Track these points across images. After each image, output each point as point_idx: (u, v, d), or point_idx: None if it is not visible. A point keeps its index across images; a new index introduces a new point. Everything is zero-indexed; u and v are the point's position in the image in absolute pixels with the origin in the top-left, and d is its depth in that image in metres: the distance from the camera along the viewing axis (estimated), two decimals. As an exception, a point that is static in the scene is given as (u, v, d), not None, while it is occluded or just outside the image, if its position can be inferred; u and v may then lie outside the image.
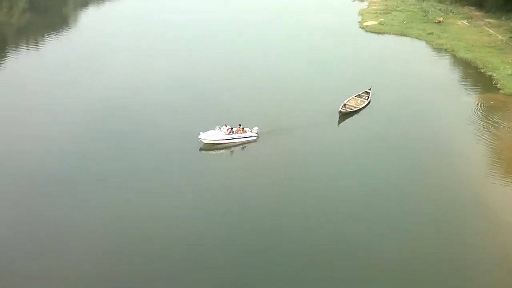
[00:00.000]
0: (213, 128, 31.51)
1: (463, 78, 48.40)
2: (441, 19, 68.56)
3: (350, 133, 35.13)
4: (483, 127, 36.09)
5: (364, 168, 29.67)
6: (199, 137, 30.78)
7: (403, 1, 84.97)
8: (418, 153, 31.86)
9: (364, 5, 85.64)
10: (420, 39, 60.30)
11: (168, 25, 67.19)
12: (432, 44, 57.72)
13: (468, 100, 41.59)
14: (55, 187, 25.84)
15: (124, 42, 56.45)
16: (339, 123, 36.23)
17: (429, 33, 61.43)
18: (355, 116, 37.39)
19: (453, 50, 54.65)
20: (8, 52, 52.04)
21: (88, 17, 76.42)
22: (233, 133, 31.92)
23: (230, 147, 31.65)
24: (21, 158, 28.70)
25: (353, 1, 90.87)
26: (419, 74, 47.61)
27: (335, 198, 26.52)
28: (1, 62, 48.28)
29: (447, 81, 46.98)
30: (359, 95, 40.02)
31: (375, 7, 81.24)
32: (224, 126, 31.87)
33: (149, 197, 25.46)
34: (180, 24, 67.68)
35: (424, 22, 68.26)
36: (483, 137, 34.52)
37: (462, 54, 53.05)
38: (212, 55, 51.82)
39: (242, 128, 32.32)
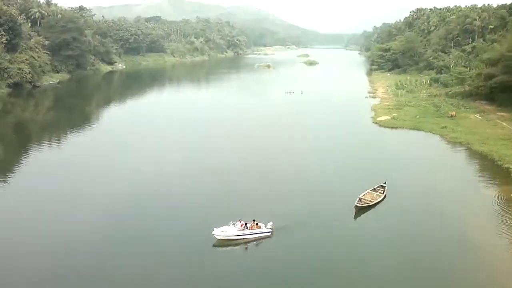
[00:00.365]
0: (227, 224, 30.94)
1: (480, 171, 47.63)
2: (453, 113, 69.67)
3: (367, 229, 33.71)
4: (505, 220, 34.95)
5: (383, 270, 27.91)
6: (213, 233, 30.04)
7: (414, 97, 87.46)
8: (440, 250, 30.24)
9: (376, 101, 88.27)
10: (434, 133, 60.73)
11: (186, 119, 69.45)
12: (446, 138, 57.97)
13: (487, 193, 40.71)
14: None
15: (142, 138, 58.04)
16: (355, 218, 35.20)
17: (443, 127, 61.99)
18: (372, 210, 36.41)
19: (468, 143, 54.63)
20: (31, 147, 53.49)
21: (109, 115, 79.59)
22: (247, 228, 31.24)
23: (244, 243, 30.78)
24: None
25: (365, 97, 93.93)
26: (435, 168, 47.33)
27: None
28: (25, 157, 49.38)
29: (465, 174, 46.17)
30: (374, 189, 39.38)
31: (387, 103, 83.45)
32: (238, 222, 31.18)
33: None
34: (197, 119, 69.78)
35: (436, 117, 69.32)
36: (506, 231, 33.31)
37: (477, 147, 52.91)
38: (229, 149, 52.47)
39: (256, 224, 31.49)
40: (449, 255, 29.67)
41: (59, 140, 58.01)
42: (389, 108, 77.66)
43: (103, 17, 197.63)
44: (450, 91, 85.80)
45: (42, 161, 48.09)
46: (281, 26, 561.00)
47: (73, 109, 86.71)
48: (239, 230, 30.78)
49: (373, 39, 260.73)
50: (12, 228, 31.58)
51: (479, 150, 51.99)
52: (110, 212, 34.58)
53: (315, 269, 27.48)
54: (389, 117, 69.94)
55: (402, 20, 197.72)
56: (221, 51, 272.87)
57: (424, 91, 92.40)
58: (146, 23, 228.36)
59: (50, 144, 55.65)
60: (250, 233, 31.05)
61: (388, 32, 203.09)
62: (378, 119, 69.79)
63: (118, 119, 74.65)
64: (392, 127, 64.95)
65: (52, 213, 34.09)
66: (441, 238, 31.87)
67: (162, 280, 25.78)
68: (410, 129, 63.70)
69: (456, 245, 31.08)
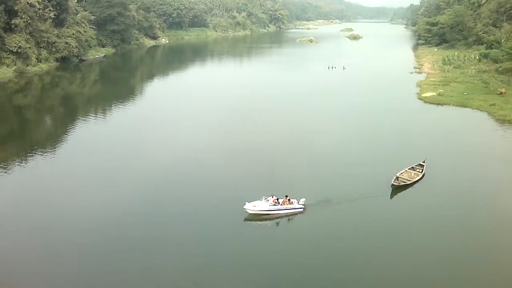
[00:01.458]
0: (259, 199, 31.07)
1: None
2: (503, 90, 66.92)
3: (403, 208, 32.89)
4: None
5: (417, 248, 27.27)
6: (245, 207, 30.23)
7: (462, 73, 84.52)
8: (483, 234, 29.13)
9: (422, 76, 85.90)
10: (481, 110, 58.62)
11: (225, 95, 69.86)
12: (494, 115, 55.80)
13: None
14: (99, 251, 26.15)
15: (182, 112, 59.15)
16: (391, 196, 34.23)
17: (491, 104, 59.70)
18: (409, 189, 35.46)
19: (517, 122, 52.72)
20: (78, 119, 55.33)
21: (152, 89, 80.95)
22: (279, 204, 31.09)
23: (276, 218, 30.64)
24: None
25: (411, 73, 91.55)
26: (480, 147, 45.75)
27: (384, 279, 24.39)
28: (71, 129, 51.10)
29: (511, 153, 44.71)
30: (412, 167, 38.16)
31: (433, 79, 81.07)
32: (270, 197, 31.13)
33: (193, 262, 25.26)
34: (237, 96, 70.05)
35: (485, 93, 66.81)
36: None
37: (528, 125, 50.96)
38: (270, 126, 52.60)
39: (289, 200, 31.33)
40: (489, 240, 28.40)
41: (104, 113, 59.48)
42: (435, 84, 75.45)
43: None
44: (500, 67, 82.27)
45: (88, 134, 49.56)
46: (324, 0, 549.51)
47: (118, 83, 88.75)
48: (271, 205, 30.80)
49: (420, 13, 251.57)
50: (58, 196, 32.98)
51: (529, 128, 49.99)
52: (150, 184, 35.38)
53: (345, 246, 27.16)
54: (434, 93, 67.98)
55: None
56: (263, 26, 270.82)
57: (473, 67, 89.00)
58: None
59: (95, 117, 57.21)
60: (282, 208, 30.99)
61: (436, 6, 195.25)
62: (423, 95, 67.97)
63: (160, 93, 75.87)
64: (438, 104, 63.19)
65: (93, 186, 35.20)
66: (481, 223, 30.63)
67: (192, 251, 26.23)
68: (457, 105, 61.77)
69: (498, 230, 29.70)
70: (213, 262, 25.28)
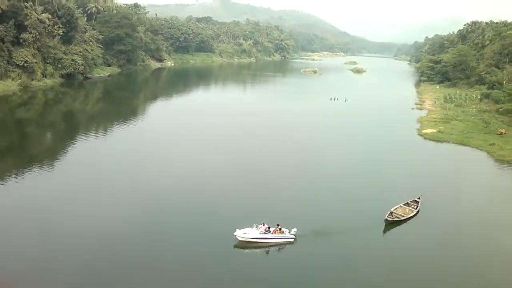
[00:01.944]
0: (250, 226, 30.56)
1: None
2: (503, 130, 67.24)
3: (394, 246, 32.41)
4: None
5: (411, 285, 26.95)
6: (235, 233, 29.75)
7: (463, 111, 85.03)
8: (477, 277, 28.68)
9: (423, 113, 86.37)
10: (480, 150, 58.75)
11: (226, 121, 70.19)
12: (493, 155, 55.90)
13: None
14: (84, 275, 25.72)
15: (182, 135, 59.10)
16: (384, 231, 33.80)
17: (491, 144, 59.89)
18: (402, 225, 34.96)
19: (516, 163, 52.77)
20: (79, 136, 55.44)
21: (155, 110, 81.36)
22: (269, 232, 30.66)
23: (266, 247, 30.17)
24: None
25: (412, 109, 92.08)
26: (478, 187, 45.74)
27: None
28: (71, 145, 51.18)
29: (510, 194, 44.65)
30: (407, 203, 37.93)
31: (434, 116, 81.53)
32: (262, 225, 30.73)
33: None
34: (238, 123, 70.38)
35: (485, 133, 67.10)
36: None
37: (526, 167, 51.00)
38: (268, 155, 52.57)
39: (280, 229, 30.94)
40: (483, 282, 27.98)
41: (105, 131, 59.71)
42: (435, 121, 75.84)
43: (156, 15, 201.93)
44: (501, 108, 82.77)
45: (87, 151, 49.63)
46: (330, 32, 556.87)
47: (121, 102, 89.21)
48: (262, 233, 30.41)
49: (424, 50, 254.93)
50: (56, 211, 32.79)
51: (528, 170, 50.01)
52: (141, 204, 35.26)
53: (334, 280, 26.78)
54: (435, 130, 68.27)
55: (455, 33, 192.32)
56: (268, 54, 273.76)
57: (474, 106, 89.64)
58: (197, 23, 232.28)
59: (96, 134, 57.37)
60: (272, 237, 30.59)
61: (440, 44, 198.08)
62: (424, 131, 68.25)
63: (162, 115, 76.00)
64: (438, 141, 63.37)
65: (83, 205, 35.10)
66: (475, 265, 30.09)
67: (179, 276, 25.87)
68: (456, 143, 61.92)
69: (493, 272, 29.19)
70: None
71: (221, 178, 42.73)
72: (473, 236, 34.32)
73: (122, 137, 56.92)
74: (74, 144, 51.92)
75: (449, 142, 62.70)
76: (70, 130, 62.20)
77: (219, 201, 36.95)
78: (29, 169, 41.43)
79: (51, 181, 39.45)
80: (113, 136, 57.38)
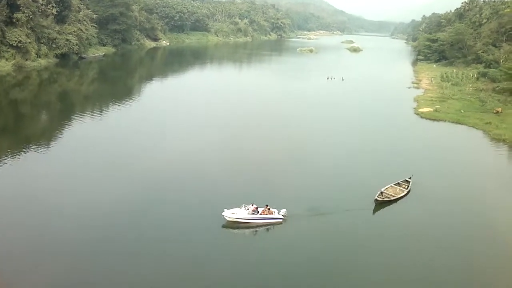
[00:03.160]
0: (239, 206, 30.39)
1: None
2: (499, 109, 67.30)
3: (385, 224, 32.24)
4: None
5: (397, 264, 26.80)
6: (223, 214, 29.61)
7: (459, 90, 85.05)
8: (467, 253, 28.63)
9: (420, 92, 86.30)
10: (477, 128, 58.87)
11: (222, 100, 70.05)
12: (489, 134, 56.03)
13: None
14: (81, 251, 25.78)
15: (177, 115, 59.02)
16: (374, 212, 33.44)
17: (487, 123, 60.01)
18: (393, 205, 34.70)
19: (511, 141, 52.85)
20: (74, 116, 55.24)
21: (149, 90, 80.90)
22: (258, 213, 30.43)
23: (254, 227, 30.00)
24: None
25: (409, 88, 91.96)
26: (472, 165, 45.77)
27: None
28: (67, 125, 51.03)
29: (505, 174, 44.49)
30: (398, 183, 37.66)
31: (431, 94, 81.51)
32: (250, 205, 30.50)
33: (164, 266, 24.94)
34: (233, 102, 70.27)
35: (481, 112, 67.17)
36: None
37: (522, 145, 51.14)
38: (261, 134, 52.50)
39: (269, 209, 30.69)
40: (470, 260, 27.85)
41: (100, 111, 59.41)
42: (432, 100, 75.84)
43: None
44: (497, 87, 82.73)
45: (82, 131, 49.47)
46: (327, 11, 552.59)
47: (116, 82, 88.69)
48: (250, 214, 30.20)
49: (421, 29, 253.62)
50: (53, 191, 32.85)
51: (523, 149, 50.19)
52: (132, 183, 35.10)
53: (322, 260, 26.63)
54: (431, 109, 68.29)
55: (452, 11, 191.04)
56: (264, 33, 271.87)
57: (470, 85, 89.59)
58: (192, 1, 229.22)
59: (92, 115, 57.06)
60: (261, 217, 30.36)
61: (437, 23, 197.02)
62: (420, 110, 68.25)
63: (157, 95, 75.65)
64: (434, 119, 63.42)
65: (78, 184, 35.03)
66: (463, 242, 30.00)
67: (167, 258, 25.69)
68: (453, 122, 61.97)
69: (481, 250, 28.95)
70: (183, 268, 24.82)
71: (215, 158, 42.52)
72: (464, 215, 34.10)
73: (117, 118, 56.62)
74: (70, 124, 51.75)
75: (445, 120, 62.73)
76: (65, 110, 61.89)
77: (210, 181, 36.67)
78: (24, 150, 41.26)
79: (46, 161, 39.30)
80: (108, 116, 57.06)
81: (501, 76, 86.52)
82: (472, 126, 59.81)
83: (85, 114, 56.68)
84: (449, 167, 44.33)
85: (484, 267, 27.22)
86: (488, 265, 27.48)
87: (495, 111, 66.68)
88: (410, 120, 63.94)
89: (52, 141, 45.38)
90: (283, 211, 30.84)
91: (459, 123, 61.39)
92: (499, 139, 54.04)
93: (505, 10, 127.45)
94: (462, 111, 67.31)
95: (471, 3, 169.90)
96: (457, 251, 28.83)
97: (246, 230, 29.90)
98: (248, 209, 30.38)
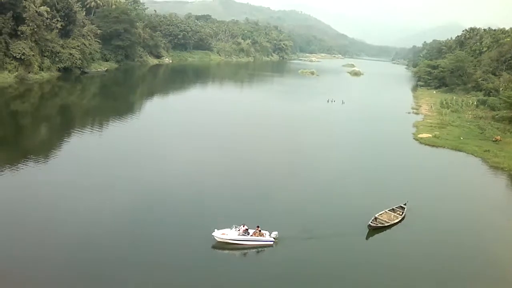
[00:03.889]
0: (230, 227, 29.87)
1: (521, 201, 45.76)
2: (498, 137, 67.50)
3: (377, 251, 31.42)
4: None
5: None
6: (213, 234, 29.07)
7: (459, 117, 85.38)
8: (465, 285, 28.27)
9: (419, 117, 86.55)
10: (475, 156, 58.85)
11: (221, 120, 70.21)
12: (488, 162, 56.01)
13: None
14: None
15: (176, 133, 58.99)
16: (367, 237, 32.95)
17: (486, 151, 60.07)
18: (386, 232, 34.13)
19: (510, 170, 52.73)
20: (74, 130, 55.31)
21: (151, 107, 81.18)
22: (249, 234, 29.91)
23: (245, 249, 29.49)
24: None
25: (408, 113, 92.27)
26: (470, 193, 45.65)
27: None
28: (66, 139, 51.06)
29: (502, 203, 44.29)
30: (393, 209, 37.16)
31: (430, 121, 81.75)
32: (241, 226, 29.98)
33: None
34: (233, 122, 70.47)
35: (480, 139, 67.30)
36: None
37: (520, 174, 51.05)
38: (259, 155, 52.44)
39: (260, 231, 30.11)
40: None
41: (100, 126, 59.47)
42: (431, 126, 76.04)
43: (155, 12, 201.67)
44: (497, 115, 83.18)
45: (81, 146, 49.44)
46: (329, 35, 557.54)
47: (117, 97, 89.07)
48: (240, 235, 29.67)
49: (421, 55, 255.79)
50: (50, 204, 32.68)
51: (521, 177, 50.12)
52: (127, 200, 34.88)
53: (310, 286, 26.22)
54: (430, 135, 68.43)
55: (453, 38, 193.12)
56: (266, 54, 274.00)
57: (470, 112, 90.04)
58: (196, 20, 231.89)
59: (91, 129, 57.12)
60: (251, 239, 29.85)
61: (438, 49, 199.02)
62: (419, 136, 68.39)
63: (158, 112, 75.82)
64: (433, 146, 63.45)
65: (68, 198, 34.90)
66: (459, 274, 29.37)
67: (153, 273, 25.46)
68: (451, 149, 61.97)
69: (478, 282, 28.63)
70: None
71: (211, 177, 42.27)
72: (459, 244, 33.70)
73: (117, 133, 56.62)
74: (69, 138, 51.81)
75: (444, 147, 62.76)
76: (65, 124, 61.99)
77: (204, 199, 36.49)
78: (23, 162, 41.13)
79: (44, 174, 39.23)
80: (108, 131, 57.14)
81: (500, 104, 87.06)
82: (471, 154, 59.81)
83: (85, 129, 56.74)
84: (446, 195, 44.09)
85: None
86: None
87: (494, 139, 66.85)
88: (409, 146, 63.98)
89: (50, 154, 45.27)
90: (274, 234, 30.30)
91: (458, 150, 61.41)
92: (497, 167, 53.99)
93: (506, 39, 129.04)
94: (461, 138, 67.45)
95: (472, 31, 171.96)
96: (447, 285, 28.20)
97: (236, 252, 29.37)
98: (239, 230, 29.86)
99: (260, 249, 29.87)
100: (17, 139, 52.01)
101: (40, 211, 31.67)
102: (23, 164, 40.67)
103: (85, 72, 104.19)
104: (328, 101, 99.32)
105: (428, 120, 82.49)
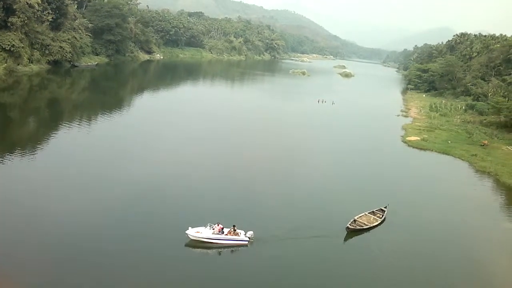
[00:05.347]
0: (204, 225, 29.59)
1: (506, 205, 46.15)
2: (486, 142, 68.13)
3: (354, 253, 31.38)
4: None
5: None
6: (187, 232, 28.75)
7: (447, 121, 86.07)
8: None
9: (408, 120, 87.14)
10: (462, 160, 59.28)
11: (210, 118, 70.03)
12: (475, 166, 56.49)
13: (510, 227, 39.58)
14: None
15: (163, 129, 58.75)
16: (345, 240, 32.62)
17: (473, 155, 60.58)
18: (365, 234, 33.80)
19: (496, 174, 53.17)
20: (62, 124, 54.85)
21: (140, 102, 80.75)
22: (223, 233, 29.74)
23: (219, 247, 29.23)
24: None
25: (397, 115, 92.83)
26: (456, 196, 45.82)
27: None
28: (54, 133, 50.61)
29: (487, 206, 44.35)
30: (373, 212, 36.85)
31: (419, 124, 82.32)
32: (216, 225, 29.74)
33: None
34: (222, 120, 70.34)
35: (468, 144, 67.86)
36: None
37: (506, 179, 51.35)
38: (244, 154, 52.12)
39: (235, 230, 29.92)
40: None
41: (89, 120, 59.01)
42: (420, 129, 76.57)
43: (148, 7, 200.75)
44: (485, 120, 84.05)
45: (69, 139, 49.09)
46: (321, 35, 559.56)
47: (107, 92, 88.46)
48: (215, 234, 29.43)
49: (412, 58, 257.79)
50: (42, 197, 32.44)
51: (507, 182, 50.59)
52: (110, 194, 34.71)
53: (281, 286, 26.08)
54: (419, 138, 68.90)
55: (444, 43, 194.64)
56: (258, 53, 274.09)
57: (458, 117, 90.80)
58: (188, 17, 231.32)
59: (79, 123, 56.70)
60: (226, 238, 29.58)
61: (429, 53, 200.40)
62: (408, 138, 68.84)
63: (146, 108, 75.35)
64: (421, 149, 63.84)
65: (51, 192, 34.68)
66: (435, 277, 29.14)
67: (122, 267, 25.39)
68: (439, 152, 62.40)
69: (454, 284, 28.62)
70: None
71: (192, 173, 42.02)
72: (437, 246, 33.61)
73: (104, 128, 56.16)
74: (57, 132, 51.35)
75: (432, 150, 63.21)
76: (53, 117, 61.39)
77: (182, 195, 36.43)
78: (9, 155, 40.77)
79: (31, 167, 38.90)
80: (96, 126, 56.65)
81: (488, 109, 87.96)
82: (458, 157, 60.31)
83: (73, 122, 56.32)
84: (430, 198, 44.19)
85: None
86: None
87: (481, 144, 67.45)
88: (396, 148, 64.37)
89: (37, 147, 44.85)
90: (249, 233, 30.06)
91: (445, 154, 61.86)
92: (484, 172, 54.48)
93: (495, 46, 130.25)
94: (449, 141, 67.99)
95: (462, 36, 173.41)
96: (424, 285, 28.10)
97: (210, 251, 29.01)
98: (213, 228, 29.60)
99: (234, 248, 29.57)
100: (4, 131, 51.39)
101: (21, 205, 31.34)
102: (9, 157, 40.23)
103: (75, 66, 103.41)
104: (318, 101, 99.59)
105: (417, 123, 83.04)
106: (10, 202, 31.48)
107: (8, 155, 40.79)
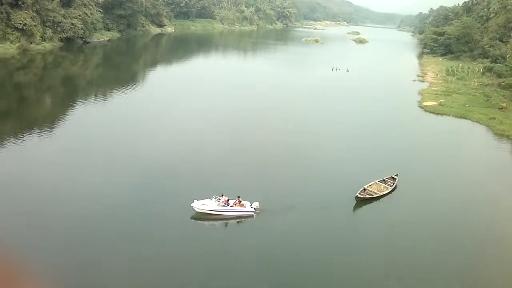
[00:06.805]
0: (210, 197, 29.39)
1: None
2: (504, 105, 66.97)
3: (363, 222, 30.77)
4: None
5: (370, 263, 25.51)
6: (192, 204, 28.60)
7: (465, 85, 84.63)
8: (444, 256, 26.97)
9: (425, 85, 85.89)
10: (480, 123, 58.54)
11: (223, 90, 69.93)
12: (493, 129, 55.70)
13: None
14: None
15: (177, 104, 58.85)
16: (354, 209, 31.85)
17: (491, 118, 59.70)
18: (375, 203, 32.93)
19: (515, 137, 52.66)
20: (77, 101, 55.22)
21: (153, 76, 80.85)
22: (229, 205, 29.44)
23: (225, 219, 28.98)
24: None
25: (414, 81, 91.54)
26: (473, 161, 45.18)
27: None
28: (70, 110, 51.03)
29: (504, 170, 43.49)
30: (383, 180, 35.85)
31: (436, 88, 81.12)
32: (221, 197, 29.54)
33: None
34: (234, 92, 70.30)
35: (486, 107, 66.85)
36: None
37: (525, 142, 50.85)
38: (257, 125, 51.90)
39: (240, 201, 29.60)
40: (450, 261, 26.45)
41: (104, 96, 59.31)
42: (437, 94, 75.49)
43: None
44: (503, 82, 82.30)
45: (85, 116, 49.43)
46: (334, 2, 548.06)
47: (120, 67, 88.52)
48: (220, 206, 29.24)
49: (428, 22, 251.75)
50: (55, 174, 32.97)
51: (527, 145, 49.92)
52: (124, 170, 34.83)
53: (292, 256, 25.61)
54: (436, 103, 67.98)
55: (460, 4, 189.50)
56: (270, 22, 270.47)
57: (476, 80, 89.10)
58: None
59: (95, 99, 57.11)
60: (231, 210, 29.37)
61: (445, 16, 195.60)
62: (424, 103, 67.96)
63: (160, 82, 75.40)
64: (438, 113, 63.10)
65: (62, 172, 35.10)
66: (448, 244, 28.34)
67: (129, 242, 25.30)
68: (457, 117, 61.61)
69: (468, 256, 27.56)
70: (145, 263, 23.96)
71: (205, 148, 41.84)
72: (451, 211, 32.91)
73: (119, 104, 56.43)
74: (72, 109, 51.72)
75: (449, 115, 62.40)
76: (68, 94, 61.82)
77: (195, 169, 36.07)
78: (27, 133, 41.32)
79: (49, 145, 39.44)
80: (110, 102, 56.99)
81: (507, 71, 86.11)
82: (476, 121, 59.51)
83: (88, 99, 56.70)
84: (447, 164, 43.45)
85: (472, 268, 26.40)
86: (476, 266, 26.66)
87: (500, 107, 66.35)
88: (413, 114, 63.61)
89: (53, 125, 45.30)
90: (255, 204, 29.78)
91: (463, 118, 61.07)
92: (502, 135, 53.76)
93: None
94: (466, 105, 67.00)
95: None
96: (437, 252, 27.36)
97: (216, 222, 28.88)
98: (219, 200, 29.44)
99: (240, 219, 29.41)
100: (21, 110, 51.95)
101: (40, 184, 31.90)
102: (27, 136, 40.72)
103: (87, 42, 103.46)
104: (332, 69, 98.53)
105: (434, 88, 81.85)
106: (26, 179, 32.04)
107: (25, 133, 41.26)
